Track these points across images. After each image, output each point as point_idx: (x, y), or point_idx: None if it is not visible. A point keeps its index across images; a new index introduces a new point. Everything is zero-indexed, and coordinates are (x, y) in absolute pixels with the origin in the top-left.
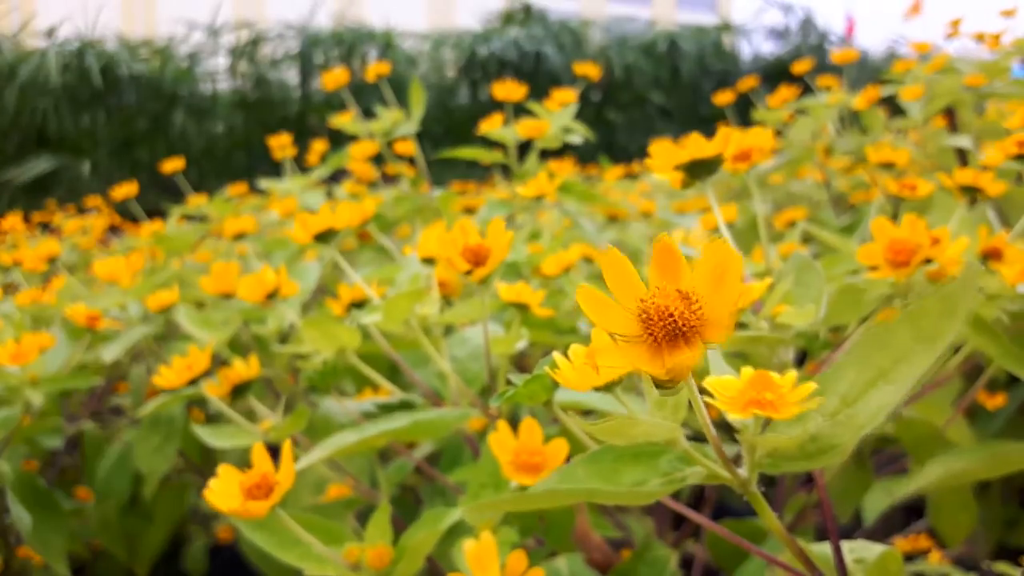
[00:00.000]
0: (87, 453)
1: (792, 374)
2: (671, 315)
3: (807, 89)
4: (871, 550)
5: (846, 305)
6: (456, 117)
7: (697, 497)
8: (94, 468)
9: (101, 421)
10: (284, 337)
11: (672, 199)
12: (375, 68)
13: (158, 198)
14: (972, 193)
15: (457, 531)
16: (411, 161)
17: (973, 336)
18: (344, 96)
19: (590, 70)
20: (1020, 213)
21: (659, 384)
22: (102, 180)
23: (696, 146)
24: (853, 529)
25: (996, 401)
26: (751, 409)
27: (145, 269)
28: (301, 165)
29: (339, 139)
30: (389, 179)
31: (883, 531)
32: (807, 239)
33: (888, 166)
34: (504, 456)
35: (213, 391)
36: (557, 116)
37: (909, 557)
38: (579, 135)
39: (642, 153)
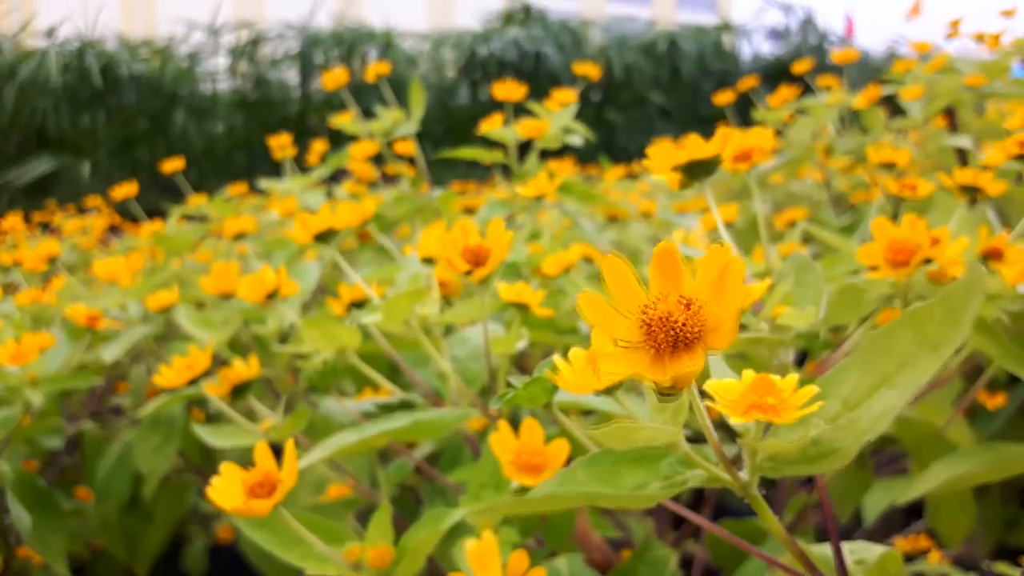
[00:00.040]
0: (87, 453)
1: (793, 377)
2: (673, 323)
3: (807, 89)
4: (871, 551)
5: (846, 305)
6: (456, 117)
7: (697, 497)
8: (94, 468)
9: (101, 421)
10: (284, 337)
11: (672, 199)
12: (375, 68)
13: (158, 198)
14: (972, 193)
15: (458, 531)
16: (411, 161)
17: (974, 336)
18: (344, 96)
19: (590, 70)
20: (1020, 213)
21: (661, 391)
22: (102, 180)
23: (694, 147)
24: (853, 529)
25: (996, 401)
26: (752, 413)
27: (145, 269)
28: (301, 165)
29: (339, 139)
30: (389, 179)
31: (883, 531)
32: (807, 239)
33: (888, 166)
34: (505, 456)
35: (213, 391)
36: (557, 116)
37: (909, 557)
38: (579, 135)
39: (642, 153)
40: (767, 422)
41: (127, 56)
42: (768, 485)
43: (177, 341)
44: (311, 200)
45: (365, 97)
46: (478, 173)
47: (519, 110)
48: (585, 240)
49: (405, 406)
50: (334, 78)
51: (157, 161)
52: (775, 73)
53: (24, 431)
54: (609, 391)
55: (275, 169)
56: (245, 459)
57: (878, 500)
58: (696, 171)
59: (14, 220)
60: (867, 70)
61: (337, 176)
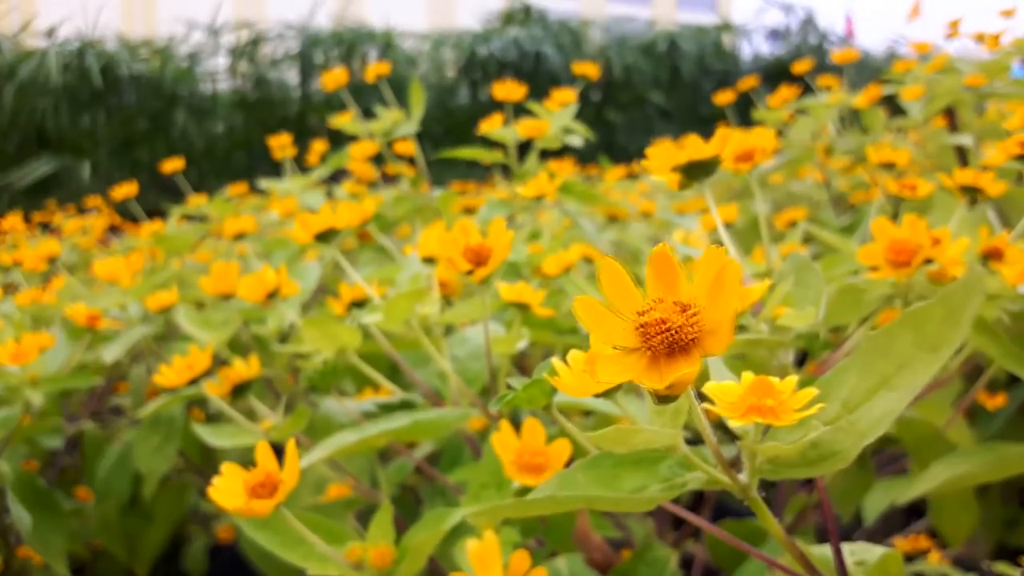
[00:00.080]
0: (87, 453)
1: (792, 379)
2: (668, 327)
3: (807, 89)
4: (872, 552)
5: (846, 305)
6: (456, 117)
7: (697, 497)
8: (94, 468)
9: (101, 421)
10: (284, 337)
11: (672, 199)
12: (375, 68)
13: (158, 198)
14: (973, 193)
15: (458, 531)
16: (411, 161)
17: (974, 337)
18: (344, 96)
19: (590, 70)
20: (1020, 213)
21: (658, 396)
22: (102, 180)
23: (694, 147)
24: (853, 529)
25: (996, 401)
26: (751, 416)
27: (145, 269)
28: (301, 165)
29: (339, 139)
30: (389, 179)
31: (883, 531)
32: (807, 239)
33: (888, 166)
34: (507, 456)
35: (214, 390)
36: (557, 116)
37: (909, 557)
38: (579, 135)
39: (642, 153)
40: (766, 424)
41: (127, 56)
42: (768, 486)
43: (177, 341)
44: (311, 200)
45: (365, 97)
46: (478, 173)
47: (519, 110)
48: (585, 240)
49: (405, 406)
50: (334, 78)
51: (157, 161)
52: (775, 73)
53: (24, 431)
54: (608, 394)
55: (275, 169)
56: (245, 459)
57: (878, 500)
58: (696, 172)
59: (14, 220)
60: (867, 70)
61: (337, 176)
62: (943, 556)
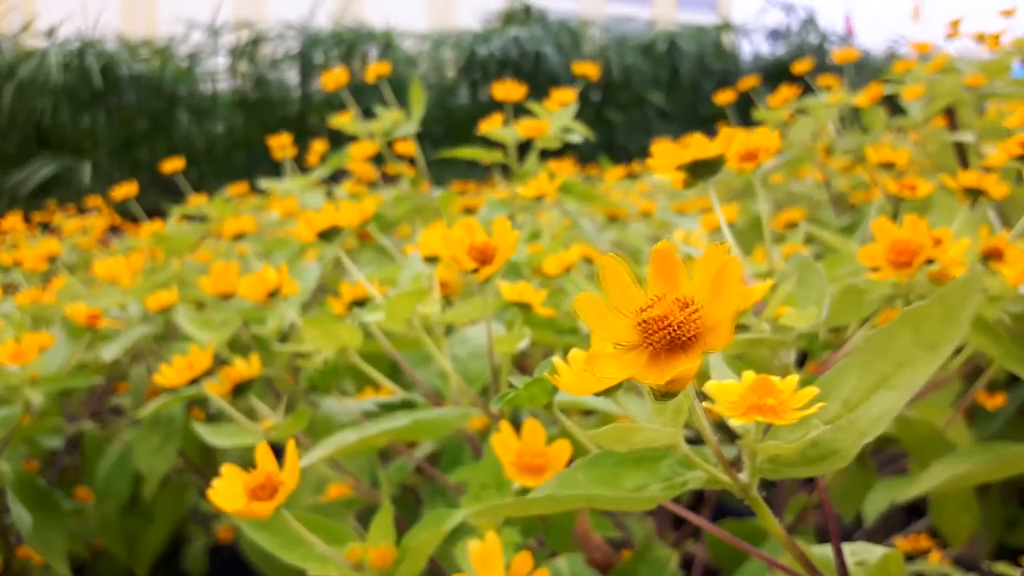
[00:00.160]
0: (87, 453)
1: (793, 379)
2: (669, 323)
3: (807, 89)
4: (873, 552)
5: (847, 306)
6: (456, 117)
7: (698, 497)
8: (94, 468)
9: (101, 421)
10: (284, 336)
11: (672, 199)
12: (375, 68)
13: (158, 198)
14: (976, 195)
15: (459, 532)
16: (411, 161)
17: (975, 337)
18: (344, 96)
19: (589, 70)
20: (1021, 213)
21: (658, 393)
22: (102, 180)
23: (699, 146)
24: (853, 529)
25: (996, 401)
26: (752, 414)
27: (145, 269)
28: (301, 165)
29: (339, 139)
30: (389, 179)
31: (883, 531)
32: (808, 239)
33: (888, 166)
34: (507, 457)
35: (214, 389)
36: (557, 116)
37: (909, 557)
38: (579, 135)
39: (642, 153)
40: (767, 423)
41: (127, 56)
42: (768, 485)
43: (177, 341)
44: (311, 200)
45: (365, 97)
46: (478, 173)
47: (519, 110)
48: (585, 240)
49: (406, 405)
50: (334, 78)
51: (157, 161)
52: (775, 73)
53: (24, 431)
54: (609, 392)
55: (275, 169)
56: (245, 459)
57: (878, 500)
58: (700, 170)
59: (14, 220)
60: (867, 70)
61: (337, 176)
62: (943, 556)
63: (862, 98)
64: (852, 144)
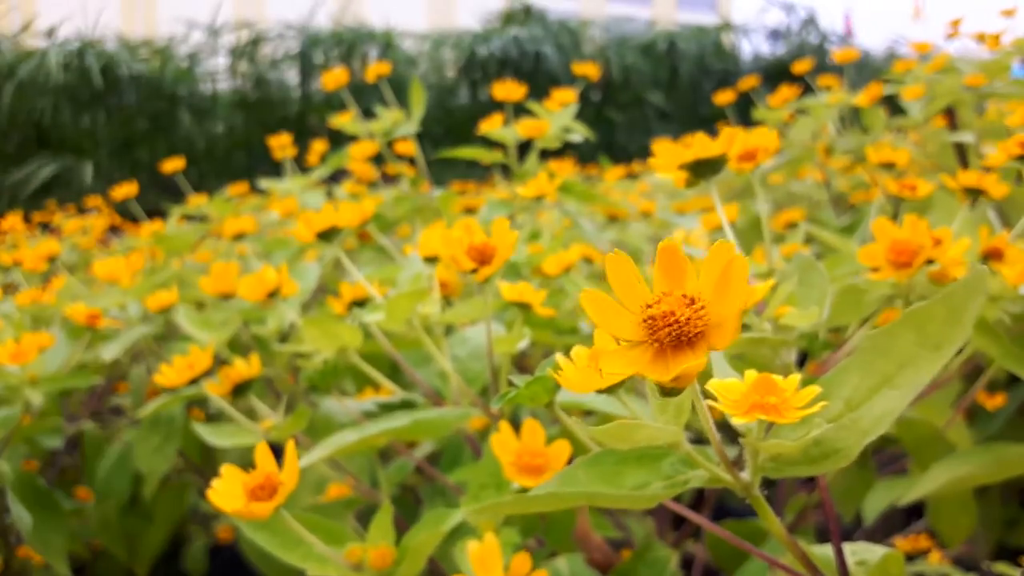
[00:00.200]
0: (87, 453)
1: (795, 377)
2: (676, 320)
3: (807, 89)
4: (873, 552)
5: (848, 306)
6: (456, 117)
7: (698, 497)
8: (94, 468)
9: (101, 421)
10: (284, 337)
11: (672, 199)
12: (375, 68)
13: (158, 198)
14: (976, 195)
15: (458, 532)
16: (411, 161)
17: (975, 337)
18: (344, 96)
19: (589, 70)
20: (1021, 213)
21: (663, 389)
22: (102, 180)
23: (701, 146)
24: (853, 529)
25: (996, 402)
26: (754, 413)
27: (145, 269)
28: (301, 165)
29: (339, 139)
30: (389, 179)
31: (883, 531)
32: (808, 239)
33: (888, 166)
34: (506, 457)
35: (214, 389)
36: (557, 116)
37: (909, 557)
38: (579, 135)
39: (642, 153)
40: (769, 422)
41: (127, 56)
42: (768, 485)
43: (177, 341)
44: (311, 200)
45: (365, 97)
46: (478, 173)
47: (519, 110)
48: (585, 240)
49: (406, 405)
50: (334, 78)
51: (157, 161)
52: (775, 73)
53: (24, 431)
54: (611, 390)
55: (275, 169)
56: (245, 459)
57: (878, 500)
58: (702, 170)
59: (14, 220)
60: (867, 70)
61: (337, 176)
62: (943, 556)
63: (862, 98)
64: (852, 144)
